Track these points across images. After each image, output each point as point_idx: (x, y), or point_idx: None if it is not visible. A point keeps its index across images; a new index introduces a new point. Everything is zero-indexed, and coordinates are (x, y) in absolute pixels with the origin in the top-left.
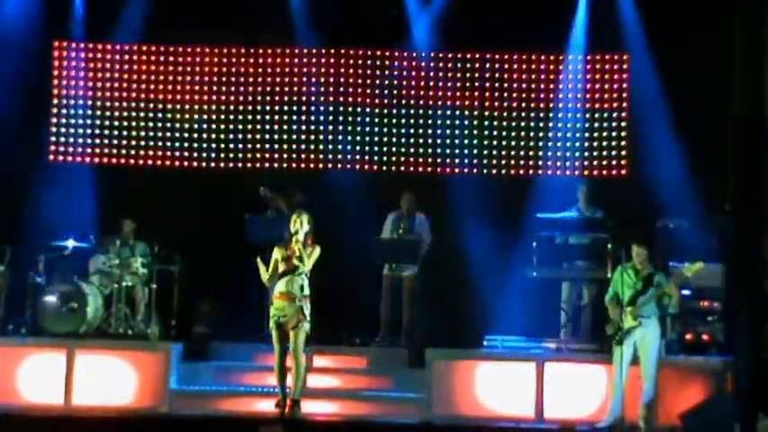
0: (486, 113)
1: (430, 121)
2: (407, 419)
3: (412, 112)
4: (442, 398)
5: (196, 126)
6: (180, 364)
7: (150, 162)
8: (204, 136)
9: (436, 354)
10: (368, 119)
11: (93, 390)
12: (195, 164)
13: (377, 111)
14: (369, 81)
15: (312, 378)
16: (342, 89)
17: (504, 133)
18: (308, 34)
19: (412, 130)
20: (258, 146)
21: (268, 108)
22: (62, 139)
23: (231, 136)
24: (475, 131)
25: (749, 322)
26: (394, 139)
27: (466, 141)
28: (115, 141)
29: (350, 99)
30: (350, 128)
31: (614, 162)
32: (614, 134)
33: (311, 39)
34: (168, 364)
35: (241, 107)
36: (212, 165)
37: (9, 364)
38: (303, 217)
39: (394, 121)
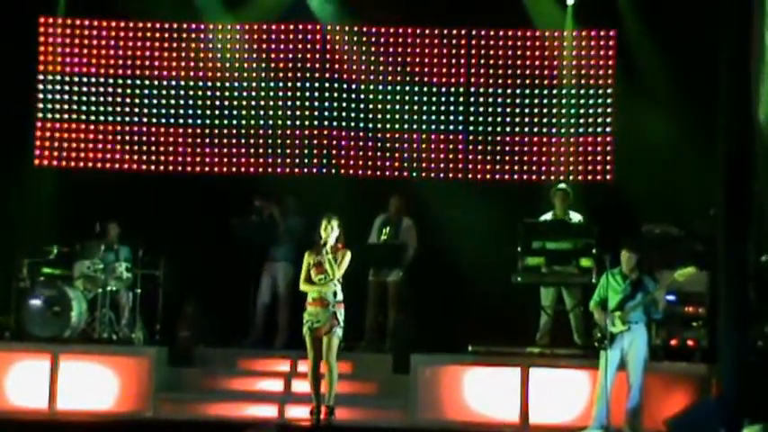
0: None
1: (415, 126)
2: (392, 425)
3: (397, 117)
4: (426, 403)
5: (181, 129)
6: (164, 368)
7: (135, 166)
8: (189, 140)
9: (421, 359)
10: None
11: (78, 394)
12: (180, 168)
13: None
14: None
15: (297, 383)
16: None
17: (489, 138)
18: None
19: (397, 135)
20: (243, 150)
21: (253, 112)
22: (47, 143)
23: (216, 140)
24: (460, 136)
25: (734, 327)
26: (379, 144)
27: (451, 146)
28: (100, 146)
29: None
30: (334, 133)
31: (599, 167)
32: (599, 138)
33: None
34: (152, 369)
35: (226, 111)
36: (197, 169)
37: None
38: (333, 222)
39: (379, 125)
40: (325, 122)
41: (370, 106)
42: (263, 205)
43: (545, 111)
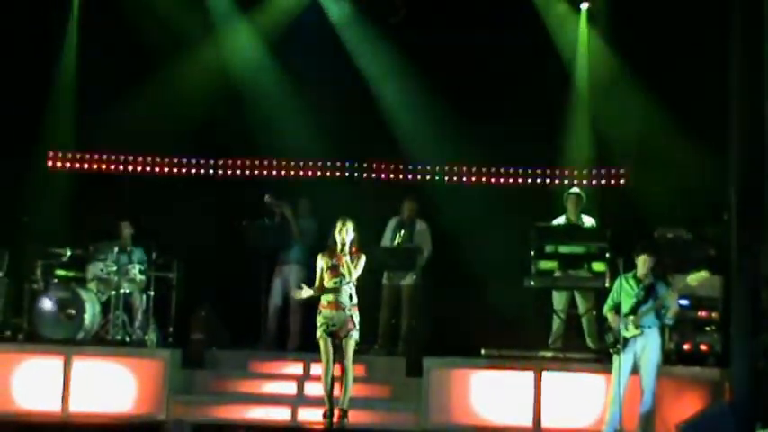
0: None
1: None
2: (405, 428)
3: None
4: (438, 406)
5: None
6: (177, 371)
7: (149, 168)
8: (203, 142)
9: (434, 362)
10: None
11: (91, 396)
12: (194, 170)
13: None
14: None
15: (310, 386)
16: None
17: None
18: None
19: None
20: (255, 152)
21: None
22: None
23: (229, 142)
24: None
25: (747, 332)
26: (391, 146)
27: (463, 148)
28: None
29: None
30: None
31: (613, 171)
32: (612, 143)
33: None
34: (165, 371)
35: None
36: (212, 171)
37: (6, 370)
38: (348, 224)
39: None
40: (336, 125)
41: (381, 108)
42: (272, 203)
43: (557, 114)
